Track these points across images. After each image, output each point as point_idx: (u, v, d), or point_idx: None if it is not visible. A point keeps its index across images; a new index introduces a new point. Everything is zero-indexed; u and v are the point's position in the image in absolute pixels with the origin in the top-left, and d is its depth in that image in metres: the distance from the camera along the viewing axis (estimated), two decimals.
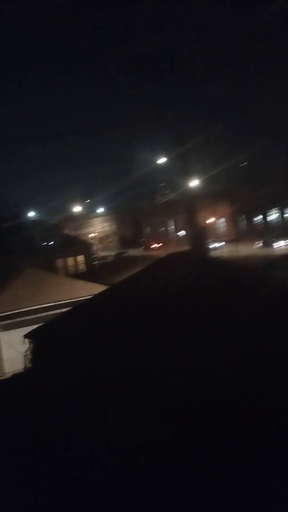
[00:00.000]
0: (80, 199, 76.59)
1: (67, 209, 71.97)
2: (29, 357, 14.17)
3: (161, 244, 68.93)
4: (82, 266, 39.81)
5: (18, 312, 20.07)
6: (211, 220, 64.39)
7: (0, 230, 43.44)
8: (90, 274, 30.96)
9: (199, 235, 20.04)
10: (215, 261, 13.54)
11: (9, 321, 19.87)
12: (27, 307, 20.34)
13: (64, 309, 18.57)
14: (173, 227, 74.47)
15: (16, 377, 13.67)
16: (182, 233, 68.43)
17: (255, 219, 61.52)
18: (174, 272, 9.73)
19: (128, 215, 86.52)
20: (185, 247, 29.99)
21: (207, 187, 57.39)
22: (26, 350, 14.27)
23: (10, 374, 18.29)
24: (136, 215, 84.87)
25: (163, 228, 74.28)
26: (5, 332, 19.77)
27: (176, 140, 18.35)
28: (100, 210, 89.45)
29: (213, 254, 35.39)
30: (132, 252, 62.56)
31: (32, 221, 48.59)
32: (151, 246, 69.01)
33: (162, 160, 38.69)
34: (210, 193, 60.78)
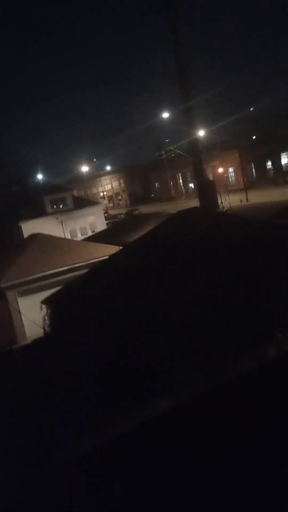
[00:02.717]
0: (86, 159, 76.04)
1: (73, 170, 71.51)
2: (47, 322, 14.48)
3: None
4: (93, 227, 39.78)
5: (33, 278, 20.35)
6: (220, 170, 63.55)
7: (7, 196, 43.22)
8: (102, 235, 30.99)
9: (207, 189, 19.90)
10: (222, 216, 13.51)
11: (26, 287, 20.18)
12: (42, 273, 20.60)
13: (79, 272, 18.82)
14: (181, 181, 73.80)
15: (36, 342, 13.99)
16: (191, 186, 67.80)
17: (267, 164, 60.11)
18: (183, 231, 9.76)
19: (136, 172, 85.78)
20: (194, 201, 29.75)
21: (215, 137, 56.45)
22: (44, 316, 14.59)
23: (32, 338, 18.77)
24: (144, 171, 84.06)
25: (172, 182, 73.58)
26: (23, 297, 20.13)
27: (182, 93, 18.03)
28: (107, 168, 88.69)
29: (223, 206, 35.07)
30: (143, 208, 62.28)
31: (40, 185, 48.32)
32: None
33: (166, 114, 37.82)
34: (217, 143, 59.78)
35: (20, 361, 13.55)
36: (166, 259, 9.24)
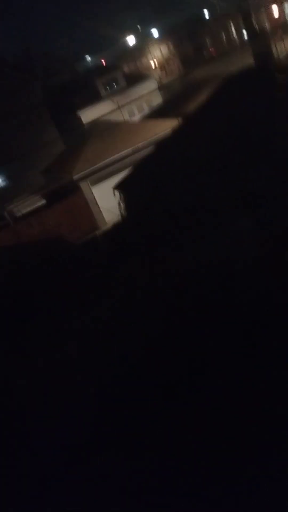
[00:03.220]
0: (129, 28, 71.69)
1: (118, 43, 67.85)
2: (122, 206, 15.44)
3: None
4: (149, 103, 38.69)
5: (101, 165, 21.02)
6: (275, 11, 57.46)
7: (58, 85, 42.29)
8: (159, 109, 30.46)
9: (259, 39, 18.78)
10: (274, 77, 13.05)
11: (96, 175, 20.98)
12: (108, 158, 21.17)
13: (143, 151, 19.22)
14: (233, 31, 68.05)
15: (115, 227, 15.03)
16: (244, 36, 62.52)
17: None
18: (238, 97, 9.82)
19: (184, 32, 79.83)
20: (249, 53, 27.98)
21: None
22: (119, 201, 15.51)
23: (111, 223, 19.94)
24: (193, 29, 77.96)
25: (224, 36, 68.03)
26: (96, 185, 21.02)
27: None
28: (154, 34, 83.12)
29: (279, 55, 32.58)
30: (196, 72, 58.90)
31: (89, 68, 46.84)
32: None
33: None
34: None
35: (104, 246, 14.76)
36: (220, 130, 9.48)
